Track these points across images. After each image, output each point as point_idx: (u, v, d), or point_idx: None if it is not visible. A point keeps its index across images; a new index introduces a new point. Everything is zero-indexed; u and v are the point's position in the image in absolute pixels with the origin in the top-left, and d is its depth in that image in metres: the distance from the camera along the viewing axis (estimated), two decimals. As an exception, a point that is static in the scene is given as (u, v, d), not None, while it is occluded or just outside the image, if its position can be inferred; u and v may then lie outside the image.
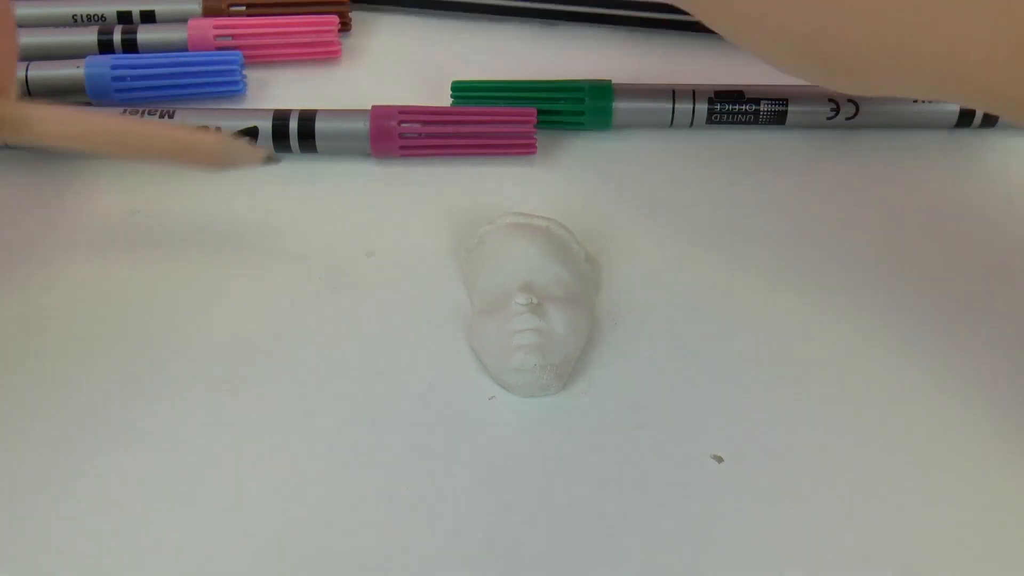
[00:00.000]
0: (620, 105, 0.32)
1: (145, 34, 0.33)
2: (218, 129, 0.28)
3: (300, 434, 0.25)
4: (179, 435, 0.25)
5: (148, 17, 0.34)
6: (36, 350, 0.26)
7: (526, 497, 0.23)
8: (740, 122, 0.32)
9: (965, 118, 0.32)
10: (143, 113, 0.30)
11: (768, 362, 0.26)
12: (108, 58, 0.32)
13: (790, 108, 0.31)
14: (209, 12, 0.35)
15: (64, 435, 0.24)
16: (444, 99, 0.32)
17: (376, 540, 0.23)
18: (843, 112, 0.31)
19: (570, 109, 0.32)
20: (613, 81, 0.32)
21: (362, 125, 0.30)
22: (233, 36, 0.34)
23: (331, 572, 0.22)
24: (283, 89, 0.34)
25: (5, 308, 0.27)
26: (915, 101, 0.31)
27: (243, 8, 0.34)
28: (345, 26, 0.35)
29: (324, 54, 0.34)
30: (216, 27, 0.33)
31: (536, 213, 0.28)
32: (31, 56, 0.32)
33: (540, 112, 0.31)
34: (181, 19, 0.34)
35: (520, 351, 0.25)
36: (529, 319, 0.25)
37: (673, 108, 0.31)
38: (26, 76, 0.32)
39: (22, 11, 0.34)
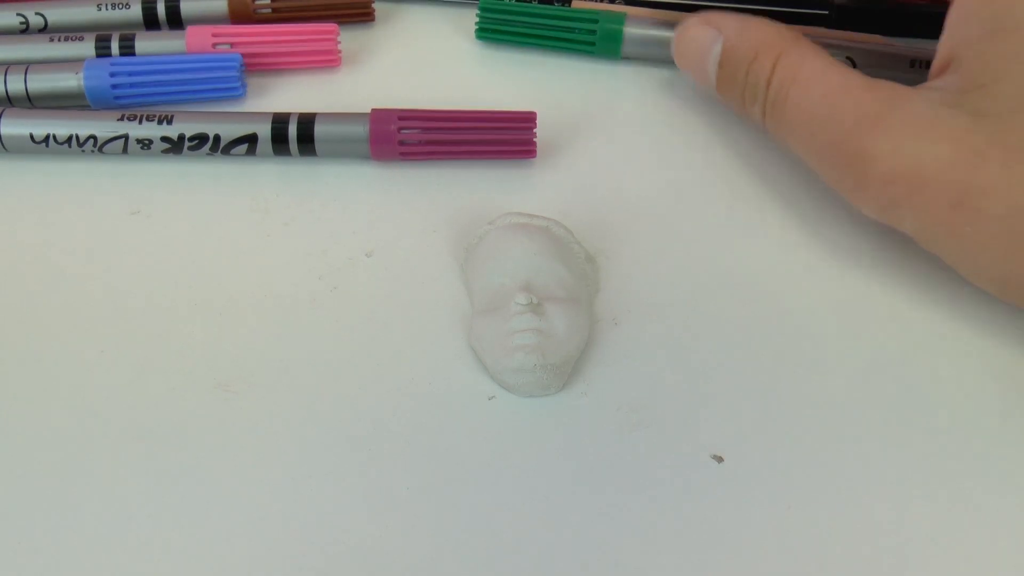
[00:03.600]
0: (630, 31, 0.33)
1: (143, 42, 0.33)
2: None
3: (300, 435, 0.24)
4: (178, 436, 0.24)
5: (174, 13, 0.35)
6: (34, 349, 0.26)
7: (526, 497, 0.23)
8: None
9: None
10: (140, 119, 0.30)
11: (768, 362, 0.26)
12: (106, 61, 0.32)
13: None
14: (235, 10, 0.35)
15: (61, 435, 0.24)
16: (443, 102, 0.32)
17: (376, 540, 0.23)
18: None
19: (583, 27, 0.33)
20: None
21: (361, 128, 0.30)
22: (231, 44, 0.34)
23: (331, 572, 0.22)
24: (283, 91, 0.34)
25: (5, 308, 0.27)
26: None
27: (268, 6, 0.35)
28: (368, 17, 0.36)
29: (323, 62, 0.34)
30: (215, 35, 0.34)
31: (536, 213, 0.28)
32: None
33: (551, 38, 0.34)
34: (207, 16, 0.35)
35: (520, 351, 0.25)
36: (529, 319, 0.25)
37: None
38: (25, 82, 0.32)
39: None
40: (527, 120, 0.30)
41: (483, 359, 0.25)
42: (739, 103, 0.29)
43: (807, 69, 0.27)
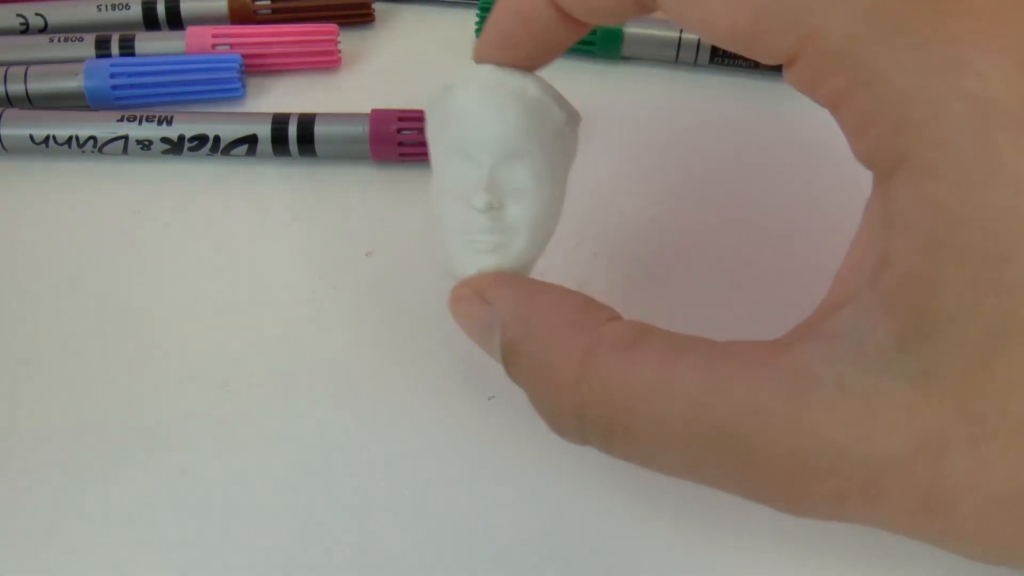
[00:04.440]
0: (630, 31, 0.33)
1: (143, 43, 0.33)
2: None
3: (299, 434, 0.25)
4: (178, 436, 0.24)
5: (174, 13, 0.35)
6: (35, 350, 0.26)
7: (526, 496, 0.23)
8: (741, 65, 0.33)
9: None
10: (140, 120, 0.30)
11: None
12: (106, 62, 0.32)
13: None
14: (235, 10, 0.35)
15: (62, 435, 0.24)
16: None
17: (376, 540, 0.23)
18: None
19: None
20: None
21: (361, 129, 0.30)
22: (231, 45, 0.34)
23: (331, 571, 0.22)
24: (283, 92, 0.34)
25: (5, 309, 0.27)
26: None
27: (268, 6, 0.35)
28: (368, 17, 0.36)
29: (323, 63, 0.34)
30: (214, 36, 0.34)
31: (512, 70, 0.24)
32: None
33: None
34: (207, 16, 0.35)
35: (477, 255, 0.23)
36: (488, 223, 0.23)
37: (680, 38, 0.33)
38: (25, 83, 0.32)
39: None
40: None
41: (440, 232, 0.24)
42: (551, 418, 0.20)
43: (644, 363, 0.19)
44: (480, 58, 0.24)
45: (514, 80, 0.23)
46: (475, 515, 0.23)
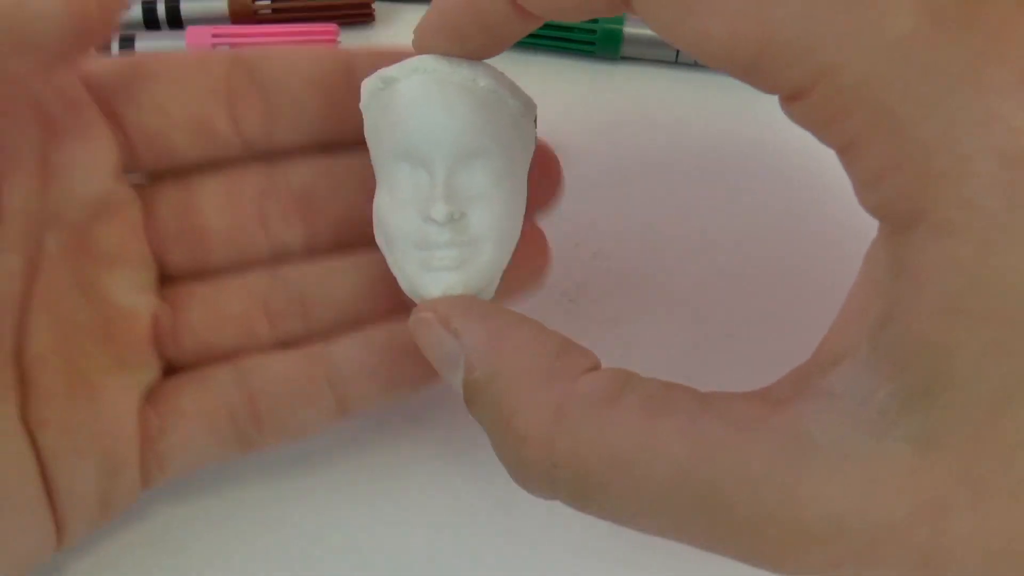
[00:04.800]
0: (630, 31, 0.33)
1: (143, 42, 0.34)
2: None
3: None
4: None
5: (174, 13, 0.35)
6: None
7: (527, 497, 0.23)
8: None
9: None
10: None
11: (770, 362, 0.26)
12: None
13: None
14: (235, 10, 0.35)
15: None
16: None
17: (376, 539, 0.23)
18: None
19: (582, 27, 0.33)
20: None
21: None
22: (231, 44, 0.34)
23: (331, 571, 0.22)
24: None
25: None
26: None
27: (268, 6, 0.35)
28: (368, 17, 0.36)
29: (323, 63, 0.34)
30: (214, 35, 0.34)
31: (459, 59, 0.21)
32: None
33: (551, 38, 0.33)
34: (207, 16, 0.35)
35: (439, 273, 0.21)
36: (448, 237, 0.21)
37: None
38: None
39: None
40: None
41: (391, 254, 0.21)
42: (516, 471, 0.19)
43: (624, 421, 0.17)
44: (421, 47, 0.21)
45: (462, 71, 0.21)
46: (475, 515, 0.23)
